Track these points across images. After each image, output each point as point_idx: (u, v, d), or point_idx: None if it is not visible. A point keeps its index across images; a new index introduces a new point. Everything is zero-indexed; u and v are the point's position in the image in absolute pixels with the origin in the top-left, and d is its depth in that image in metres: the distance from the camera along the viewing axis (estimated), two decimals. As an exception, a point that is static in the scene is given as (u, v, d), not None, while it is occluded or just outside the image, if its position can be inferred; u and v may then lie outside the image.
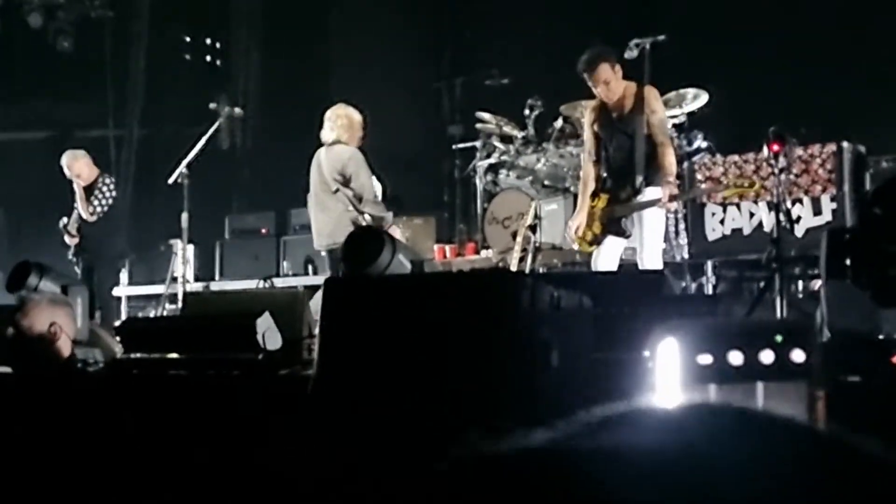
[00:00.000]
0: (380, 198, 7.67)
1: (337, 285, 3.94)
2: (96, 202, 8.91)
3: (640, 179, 6.35)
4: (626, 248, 6.61)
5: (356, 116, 7.51)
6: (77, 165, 9.05)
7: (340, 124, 7.43)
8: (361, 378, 3.60)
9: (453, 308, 3.50)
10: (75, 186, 9.02)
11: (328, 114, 7.53)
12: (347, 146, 7.42)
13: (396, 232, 7.66)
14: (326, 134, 7.50)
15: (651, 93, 6.49)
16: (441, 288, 3.76)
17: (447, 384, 3.28)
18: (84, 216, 8.96)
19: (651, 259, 6.31)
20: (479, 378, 3.23)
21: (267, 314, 4.22)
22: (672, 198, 6.33)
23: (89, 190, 9.02)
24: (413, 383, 3.40)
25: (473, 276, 4.26)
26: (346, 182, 7.35)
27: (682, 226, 7.54)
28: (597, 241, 6.52)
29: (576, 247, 6.82)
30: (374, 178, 7.59)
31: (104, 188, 8.96)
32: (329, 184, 7.41)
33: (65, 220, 9.16)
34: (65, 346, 4.02)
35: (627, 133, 6.38)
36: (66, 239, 9.06)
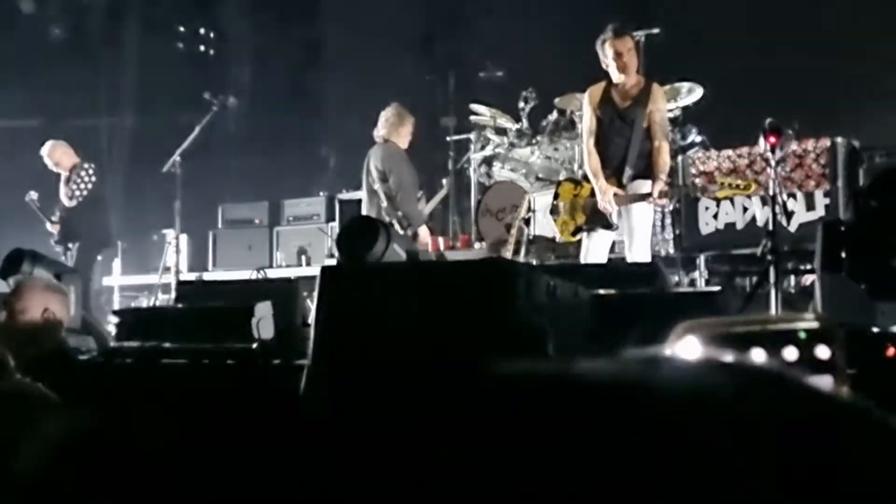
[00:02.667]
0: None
1: (332, 274, 3.93)
2: (74, 186, 8.95)
3: (629, 173, 6.35)
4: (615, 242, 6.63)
5: (407, 117, 7.92)
6: (56, 154, 9.15)
7: (391, 122, 7.83)
8: (356, 367, 3.59)
9: (449, 297, 3.50)
10: (62, 177, 9.10)
11: (383, 112, 7.93)
12: (393, 144, 7.80)
13: (426, 233, 7.82)
14: (378, 131, 7.88)
15: (658, 90, 6.50)
16: (437, 277, 3.76)
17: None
18: (64, 202, 9.04)
19: (639, 252, 6.31)
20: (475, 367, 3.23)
21: (267, 302, 4.22)
22: (662, 194, 6.32)
23: (68, 178, 9.09)
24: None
25: (469, 265, 4.26)
26: (384, 178, 7.66)
27: (668, 220, 7.54)
28: (580, 230, 6.52)
29: (559, 238, 6.82)
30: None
31: (82, 173, 9.00)
32: (374, 179, 7.74)
33: (33, 194, 9.18)
34: (57, 334, 4.00)
35: (627, 123, 6.37)
36: (48, 226, 9.10)
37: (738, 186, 6.28)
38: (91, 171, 9.03)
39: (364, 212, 7.77)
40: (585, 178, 6.61)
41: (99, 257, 9.47)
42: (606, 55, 6.35)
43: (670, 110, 7.80)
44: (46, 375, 3.79)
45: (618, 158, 6.37)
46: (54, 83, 11.67)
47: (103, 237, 9.29)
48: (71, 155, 9.19)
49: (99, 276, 10.21)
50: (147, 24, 12.65)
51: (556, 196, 6.77)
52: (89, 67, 12.30)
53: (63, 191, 9.08)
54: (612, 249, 6.71)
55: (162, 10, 12.69)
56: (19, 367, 3.78)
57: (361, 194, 8.14)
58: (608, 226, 6.39)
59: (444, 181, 9.15)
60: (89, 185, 8.97)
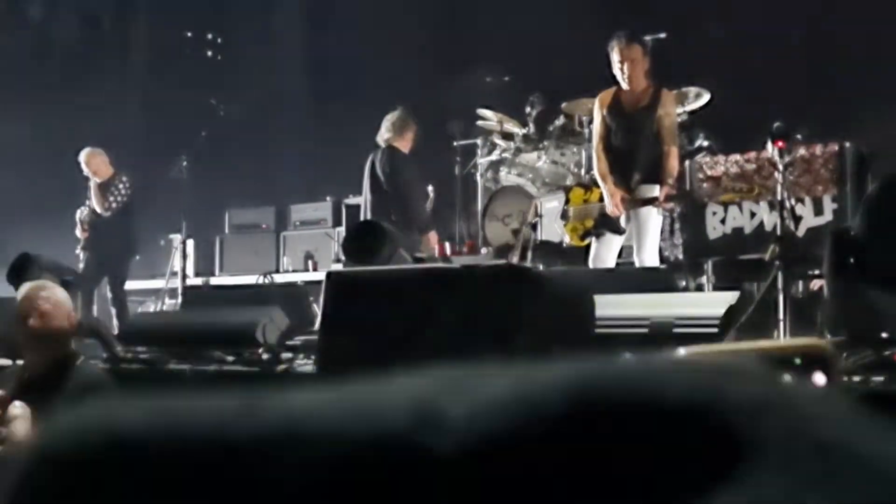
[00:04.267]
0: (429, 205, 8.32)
1: (337, 278, 3.92)
2: (112, 198, 9.11)
3: (637, 177, 6.34)
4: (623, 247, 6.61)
5: (411, 122, 7.95)
6: (94, 162, 9.30)
7: (396, 127, 7.86)
8: (361, 372, 3.58)
9: (456, 302, 3.49)
10: (91, 183, 9.18)
11: (387, 116, 7.96)
12: (399, 149, 7.82)
13: (434, 238, 7.85)
14: (381, 135, 7.90)
15: (668, 95, 6.52)
16: (444, 282, 3.75)
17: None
18: (99, 210, 9.18)
19: (648, 257, 6.31)
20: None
21: (278, 308, 4.22)
22: (668, 198, 6.33)
23: (105, 187, 9.20)
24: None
25: (477, 269, 4.24)
26: (393, 183, 7.68)
27: (677, 225, 7.51)
28: (588, 234, 6.52)
29: (567, 242, 6.80)
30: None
31: (121, 185, 9.18)
32: (379, 183, 7.76)
33: (82, 209, 9.32)
34: (70, 338, 4.01)
35: (635, 128, 6.37)
36: (78, 233, 9.20)
37: (741, 190, 6.27)
38: (129, 184, 9.20)
39: (368, 216, 7.76)
40: (595, 182, 6.63)
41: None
42: (613, 62, 6.39)
43: (678, 115, 7.78)
44: (62, 379, 3.79)
45: (626, 163, 6.39)
46: (61, 88, 11.70)
47: (133, 246, 9.44)
48: (108, 165, 9.35)
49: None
50: (154, 29, 12.67)
51: (566, 201, 6.80)
52: (97, 72, 12.32)
53: (97, 199, 9.19)
54: (619, 255, 6.70)
55: (170, 15, 12.71)
56: (41, 370, 3.79)
57: (360, 199, 8.16)
58: (617, 230, 6.38)
59: (429, 186, 9.13)
60: (125, 198, 9.14)
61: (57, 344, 3.81)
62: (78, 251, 9.12)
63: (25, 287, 3.99)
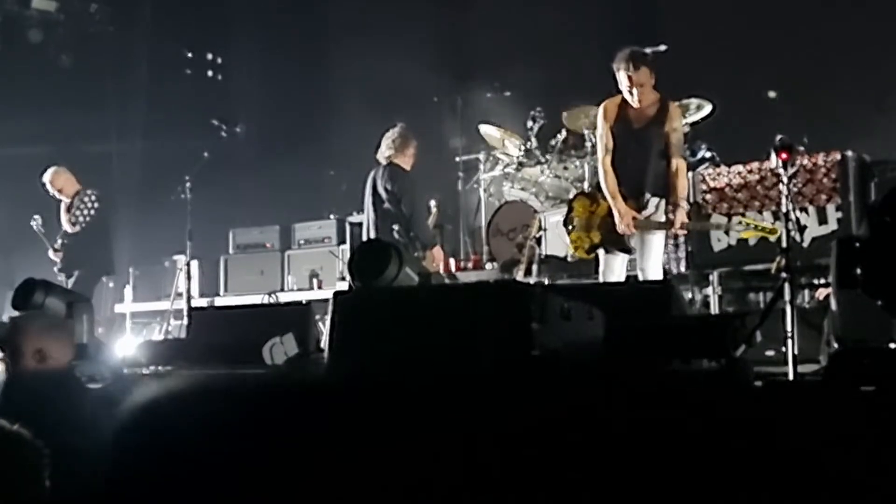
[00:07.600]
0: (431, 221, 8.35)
1: (344, 299, 3.92)
2: (77, 213, 8.88)
3: (646, 195, 6.27)
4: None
5: (411, 139, 7.88)
6: (59, 180, 9.12)
7: (397, 144, 7.81)
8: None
9: (461, 321, 3.48)
10: (62, 204, 9.06)
11: (387, 134, 7.90)
12: (401, 166, 7.78)
13: (439, 254, 7.84)
14: (382, 153, 7.86)
15: (675, 109, 6.40)
16: (449, 300, 3.74)
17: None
18: (66, 228, 8.99)
19: (653, 271, 6.25)
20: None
21: (290, 335, 4.21)
22: (683, 225, 6.23)
23: (72, 204, 9.03)
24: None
25: (482, 287, 4.24)
26: (396, 200, 7.64)
27: (681, 238, 7.50)
28: (595, 248, 6.45)
29: (571, 254, 6.75)
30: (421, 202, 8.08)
31: (86, 199, 8.93)
32: (381, 201, 7.74)
33: (37, 217, 9.16)
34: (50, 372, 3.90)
35: (643, 143, 6.26)
36: (51, 254, 9.05)
37: (763, 229, 6.08)
38: (94, 198, 8.94)
39: (369, 234, 7.73)
40: (600, 191, 6.47)
41: (111, 284, 9.46)
42: (620, 82, 6.28)
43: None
44: (57, 407, 3.76)
45: (634, 179, 6.28)
46: (63, 110, 11.72)
47: (106, 264, 9.25)
48: (73, 181, 9.16)
49: (111, 304, 10.22)
50: (155, 49, 12.71)
51: (570, 210, 6.64)
52: (98, 94, 12.35)
53: (65, 217, 9.03)
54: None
55: (170, 35, 12.74)
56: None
57: (363, 217, 8.11)
58: (626, 250, 6.32)
59: (432, 202, 9.10)
60: (92, 212, 8.89)
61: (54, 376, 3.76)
62: (57, 273, 8.90)
63: (21, 322, 3.93)
